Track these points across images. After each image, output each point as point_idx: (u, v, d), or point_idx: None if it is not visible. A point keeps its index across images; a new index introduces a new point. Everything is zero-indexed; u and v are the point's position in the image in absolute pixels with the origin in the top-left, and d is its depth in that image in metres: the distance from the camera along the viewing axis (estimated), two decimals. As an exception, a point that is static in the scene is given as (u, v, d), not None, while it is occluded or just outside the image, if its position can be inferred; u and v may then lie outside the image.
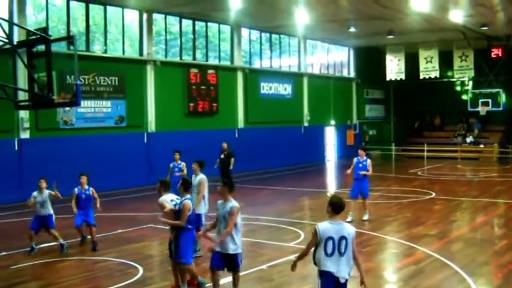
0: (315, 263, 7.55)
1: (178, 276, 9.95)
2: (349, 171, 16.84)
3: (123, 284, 10.47)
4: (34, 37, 13.45)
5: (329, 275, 7.45)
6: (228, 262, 9.21)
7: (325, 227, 7.50)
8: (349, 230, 7.55)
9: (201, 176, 12.52)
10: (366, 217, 16.26)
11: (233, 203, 9.16)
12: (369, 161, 16.50)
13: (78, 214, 13.39)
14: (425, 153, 36.88)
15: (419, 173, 29.47)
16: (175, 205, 10.26)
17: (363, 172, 16.27)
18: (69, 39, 16.51)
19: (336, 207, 7.53)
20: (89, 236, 13.40)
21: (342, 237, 7.45)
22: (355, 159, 16.65)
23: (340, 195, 8.17)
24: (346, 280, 7.51)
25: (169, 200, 10.42)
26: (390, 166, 33.55)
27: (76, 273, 11.52)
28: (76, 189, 13.62)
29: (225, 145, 23.10)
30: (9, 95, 14.30)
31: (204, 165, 12.91)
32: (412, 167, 31.89)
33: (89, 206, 13.67)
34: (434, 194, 21.12)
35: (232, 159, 22.78)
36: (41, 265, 12.11)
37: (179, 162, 17.69)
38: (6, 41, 14.66)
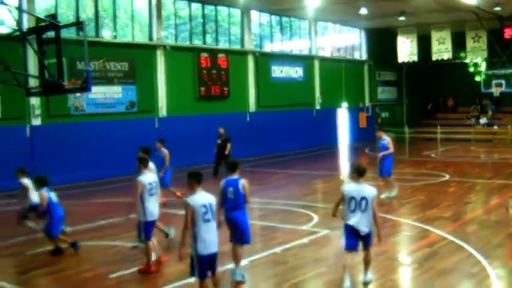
0: (342, 218, 9.09)
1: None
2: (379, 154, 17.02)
3: (136, 268, 10.46)
4: (43, 24, 13.44)
5: (350, 227, 8.89)
6: None
7: (349, 188, 9.01)
8: (370, 191, 8.93)
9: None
10: (384, 195, 16.20)
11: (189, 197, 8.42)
12: (387, 139, 16.69)
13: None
14: (438, 135, 36.65)
15: (432, 155, 29.31)
16: (151, 189, 10.32)
17: (381, 154, 16.54)
18: (79, 25, 16.34)
19: (359, 171, 9.05)
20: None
21: (363, 198, 8.83)
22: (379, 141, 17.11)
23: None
24: (367, 234, 8.88)
25: (147, 182, 10.35)
26: (403, 148, 33.26)
27: (89, 258, 11.58)
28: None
29: (221, 130, 22.82)
30: (20, 82, 14.34)
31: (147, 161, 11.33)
32: (425, 149, 31.70)
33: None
34: (448, 176, 20.95)
35: (229, 145, 22.49)
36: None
37: (161, 150, 16.85)
38: (16, 28, 14.74)
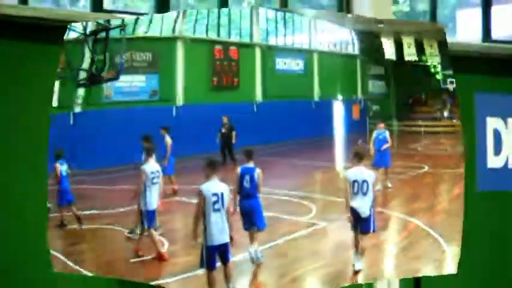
0: None
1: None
2: (370, 146, 17.29)
3: (148, 257, 10.76)
4: (99, 27, 15.89)
5: (353, 209, 9.86)
6: None
7: (351, 172, 10.06)
8: (370, 174, 9.97)
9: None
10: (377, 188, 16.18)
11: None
12: (387, 132, 17.41)
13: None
14: (422, 129, 38.54)
15: (419, 148, 29.65)
16: (153, 178, 10.72)
17: (384, 146, 17.10)
18: (121, 27, 18.89)
19: (359, 155, 10.14)
20: None
21: (364, 181, 9.83)
22: (374, 133, 17.56)
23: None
24: (367, 217, 9.67)
25: (149, 171, 10.81)
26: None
27: (99, 245, 12.39)
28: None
29: (225, 119, 22.07)
30: (75, 77, 16.77)
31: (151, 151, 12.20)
32: (410, 142, 31.88)
33: None
34: (426, 168, 20.15)
35: (234, 132, 21.86)
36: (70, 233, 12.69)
37: (165, 138, 16.62)
38: (82, 32, 17.00)
